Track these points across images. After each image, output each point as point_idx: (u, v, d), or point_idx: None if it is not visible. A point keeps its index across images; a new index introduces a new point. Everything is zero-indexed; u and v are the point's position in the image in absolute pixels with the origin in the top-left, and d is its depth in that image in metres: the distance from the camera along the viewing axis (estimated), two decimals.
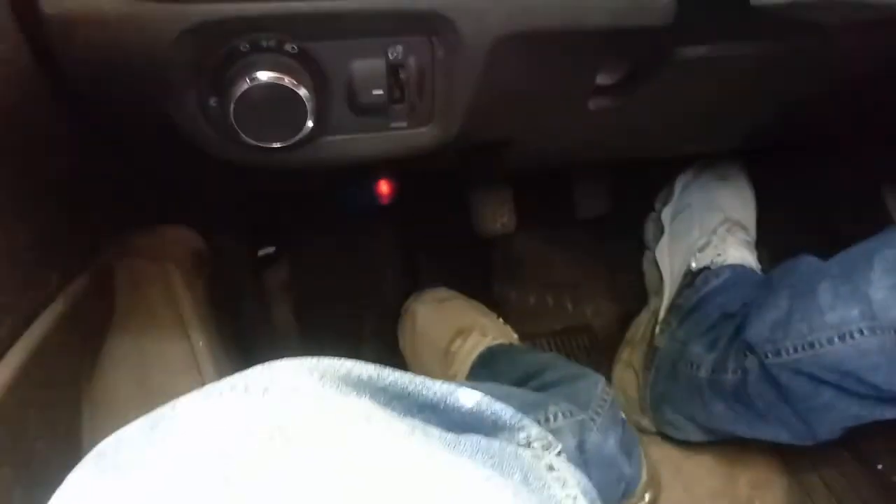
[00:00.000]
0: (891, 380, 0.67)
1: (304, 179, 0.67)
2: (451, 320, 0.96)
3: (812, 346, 0.70)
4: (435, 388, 0.41)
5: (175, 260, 0.58)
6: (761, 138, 0.73)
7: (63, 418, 0.47)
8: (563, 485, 0.40)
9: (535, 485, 0.38)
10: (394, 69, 0.46)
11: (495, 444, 0.40)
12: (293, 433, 0.30)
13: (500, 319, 0.99)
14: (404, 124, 0.49)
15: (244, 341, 0.71)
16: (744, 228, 1.00)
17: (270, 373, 0.34)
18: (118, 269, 0.55)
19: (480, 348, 0.89)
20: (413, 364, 0.97)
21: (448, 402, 0.41)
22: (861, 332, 0.67)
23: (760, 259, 0.97)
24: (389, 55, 0.45)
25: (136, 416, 0.54)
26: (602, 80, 0.60)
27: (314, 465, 0.29)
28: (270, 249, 0.86)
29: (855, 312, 0.67)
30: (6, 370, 0.40)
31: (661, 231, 1.05)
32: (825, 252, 0.76)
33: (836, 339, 0.68)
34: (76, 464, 0.30)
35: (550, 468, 0.41)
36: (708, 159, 1.05)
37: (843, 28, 0.55)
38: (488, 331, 0.93)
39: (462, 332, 0.93)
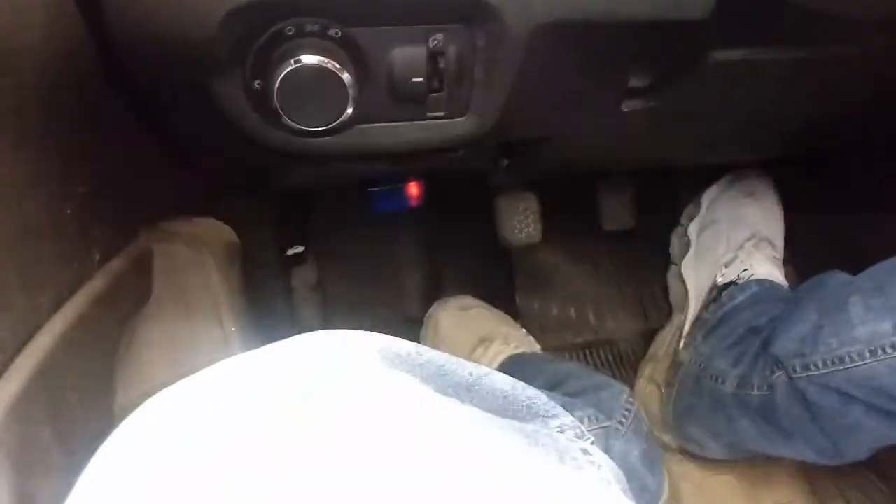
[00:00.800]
0: None
1: (335, 177, 0.68)
2: (473, 329, 0.96)
3: (842, 360, 0.69)
4: (470, 369, 0.41)
5: (211, 249, 0.59)
6: (792, 147, 0.73)
7: (99, 390, 0.47)
8: (598, 468, 0.40)
9: (571, 465, 0.38)
10: (434, 57, 0.47)
11: (529, 426, 0.40)
12: (339, 391, 0.30)
13: (524, 330, 0.99)
14: (442, 113, 0.50)
15: (270, 337, 0.72)
16: (771, 244, 0.99)
17: (315, 339, 0.34)
18: (156, 253, 0.57)
19: (503, 356, 0.89)
20: None
21: (483, 383, 0.41)
22: (893, 347, 0.66)
23: (787, 276, 0.96)
24: (430, 43, 0.46)
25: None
26: (635, 82, 0.60)
27: (359, 425, 0.29)
28: (299, 249, 0.87)
29: (887, 326, 0.66)
30: (47, 337, 0.41)
31: (687, 246, 1.05)
32: (853, 269, 0.75)
33: (866, 354, 0.67)
34: (110, 433, 0.30)
35: (585, 452, 0.41)
36: (735, 175, 1.05)
37: (878, 28, 0.56)
38: (511, 340, 0.93)
39: (485, 341, 0.93)
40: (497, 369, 0.87)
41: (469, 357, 0.91)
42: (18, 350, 0.39)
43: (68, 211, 0.45)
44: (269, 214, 0.81)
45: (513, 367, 0.87)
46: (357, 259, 0.99)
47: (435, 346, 0.98)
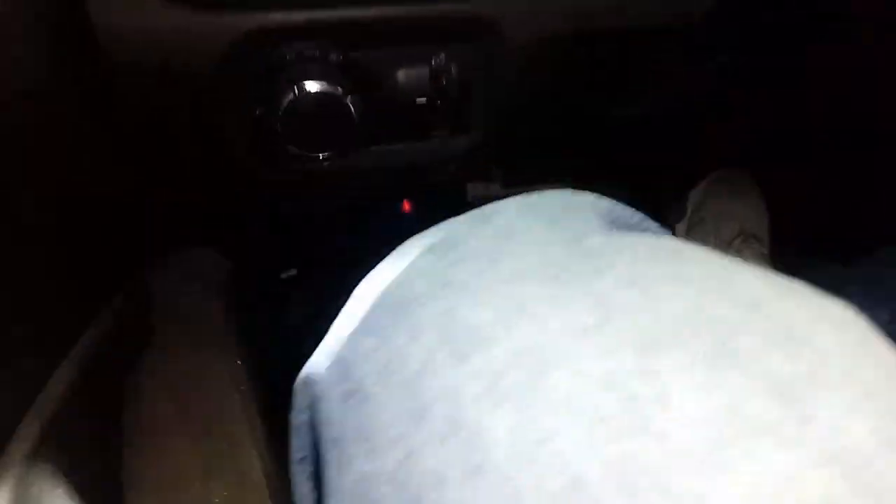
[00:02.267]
0: None
1: (327, 200, 0.67)
2: None
3: None
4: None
5: (209, 280, 0.58)
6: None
7: (109, 440, 0.46)
8: None
9: None
10: (437, 77, 0.46)
11: None
12: None
13: None
14: (445, 132, 0.50)
15: (274, 368, 0.70)
16: (759, 240, 1.01)
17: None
18: (154, 288, 0.55)
19: None
20: None
21: None
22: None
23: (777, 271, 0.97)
24: (433, 62, 0.46)
25: (176, 440, 0.53)
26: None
27: None
28: (293, 272, 0.85)
29: (885, 316, 0.67)
30: (54, 392, 0.40)
31: None
32: (837, 265, 0.76)
33: None
34: (122, 486, 0.29)
35: None
36: (719, 174, 1.06)
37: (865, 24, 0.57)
38: None
39: None
40: None
41: None
42: (27, 407, 0.37)
43: (65, 255, 0.43)
44: (263, 240, 0.80)
45: None
46: (349, 282, 0.97)
47: None
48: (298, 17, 0.42)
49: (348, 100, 0.44)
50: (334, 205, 0.73)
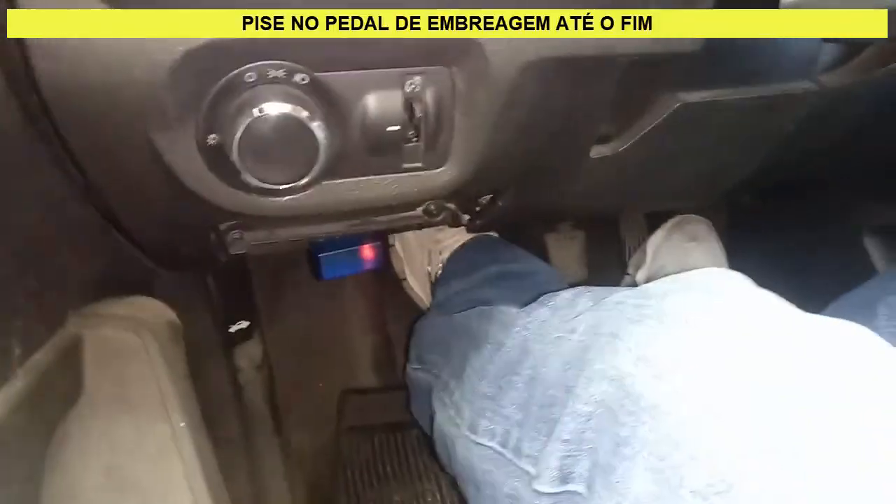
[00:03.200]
0: None
1: (284, 242, 0.62)
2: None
3: None
4: None
5: (151, 331, 0.51)
6: (756, 182, 0.73)
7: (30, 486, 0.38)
8: None
9: None
10: (411, 103, 0.43)
11: None
12: None
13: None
14: (419, 164, 0.46)
15: (214, 423, 0.63)
16: None
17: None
18: (87, 341, 0.48)
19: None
20: None
21: None
22: None
23: None
24: (407, 87, 0.42)
25: None
26: (604, 129, 0.59)
27: None
28: (244, 324, 0.79)
29: None
30: None
31: None
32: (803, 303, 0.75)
33: None
34: None
35: None
36: (676, 221, 1.06)
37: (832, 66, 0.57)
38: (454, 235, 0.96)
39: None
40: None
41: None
42: None
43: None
44: (209, 289, 0.74)
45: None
46: (304, 329, 0.92)
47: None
48: (261, 32, 0.38)
49: (313, 124, 0.40)
50: (290, 247, 0.68)
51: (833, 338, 0.40)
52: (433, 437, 0.69)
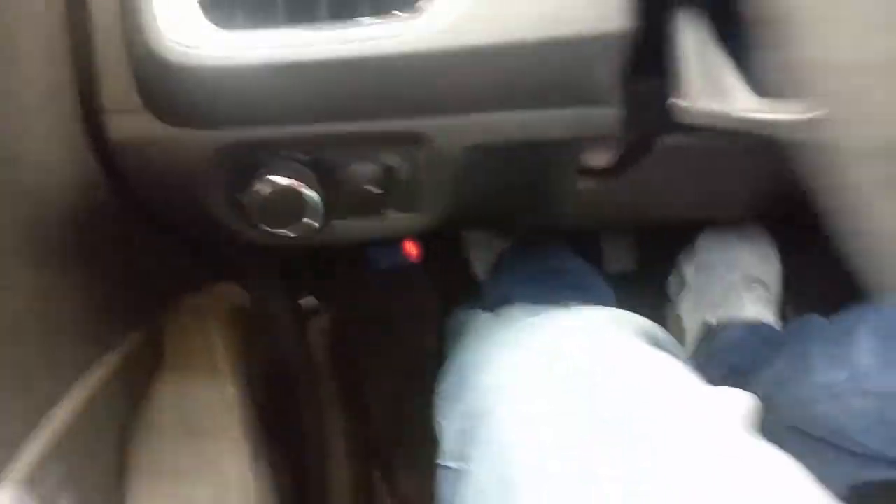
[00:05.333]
0: (877, 440, 0.69)
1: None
2: None
3: (804, 404, 0.73)
4: None
5: (216, 315, 0.69)
6: (754, 210, 0.77)
7: (112, 458, 0.57)
8: None
9: None
10: (387, 170, 0.55)
11: None
12: None
13: None
14: (396, 212, 0.59)
15: (286, 386, 0.81)
16: (763, 285, 1.03)
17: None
18: (168, 327, 0.67)
19: None
20: None
21: None
22: (850, 393, 0.69)
23: (789, 316, 0.99)
24: (383, 160, 0.55)
25: (178, 451, 0.64)
26: (590, 161, 0.67)
27: None
28: (311, 299, 0.95)
29: (843, 375, 0.70)
30: (65, 410, 0.51)
31: (684, 288, 1.09)
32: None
33: (826, 399, 0.71)
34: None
35: None
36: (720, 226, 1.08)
37: None
38: None
39: None
40: None
41: None
42: (36, 422, 0.49)
43: (90, 302, 0.55)
44: (278, 268, 0.90)
45: None
46: (368, 309, 1.07)
47: None
48: (277, 131, 0.52)
49: (309, 193, 0.54)
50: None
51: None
52: None
